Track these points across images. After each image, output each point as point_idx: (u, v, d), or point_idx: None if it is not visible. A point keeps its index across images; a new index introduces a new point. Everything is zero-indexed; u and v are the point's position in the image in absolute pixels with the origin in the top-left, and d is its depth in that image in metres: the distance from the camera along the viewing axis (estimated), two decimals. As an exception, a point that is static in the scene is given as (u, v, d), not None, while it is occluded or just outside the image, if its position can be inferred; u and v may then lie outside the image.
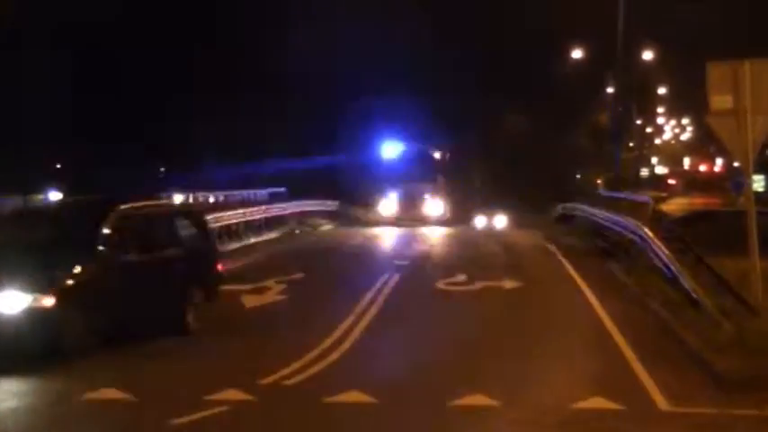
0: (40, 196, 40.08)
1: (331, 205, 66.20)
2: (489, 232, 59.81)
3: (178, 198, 52.18)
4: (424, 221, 62.77)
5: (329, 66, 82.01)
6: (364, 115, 79.14)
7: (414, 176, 65.13)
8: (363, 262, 38.38)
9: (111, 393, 17.36)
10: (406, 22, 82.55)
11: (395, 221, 62.64)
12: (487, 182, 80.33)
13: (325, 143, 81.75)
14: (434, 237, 50.49)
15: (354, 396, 17.21)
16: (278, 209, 55.68)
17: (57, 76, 69.77)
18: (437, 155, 70.37)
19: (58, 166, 77.81)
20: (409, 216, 63.42)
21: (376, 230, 55.44)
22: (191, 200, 54.61)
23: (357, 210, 67.07)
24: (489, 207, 72.34)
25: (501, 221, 69.09)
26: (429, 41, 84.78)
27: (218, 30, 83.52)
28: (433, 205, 65.50)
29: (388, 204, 65.09)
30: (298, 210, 59.27)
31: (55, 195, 48.69)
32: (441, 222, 63.24)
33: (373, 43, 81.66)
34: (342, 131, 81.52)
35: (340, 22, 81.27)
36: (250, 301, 27.46)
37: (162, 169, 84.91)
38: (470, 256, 39.34)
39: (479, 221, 68.19)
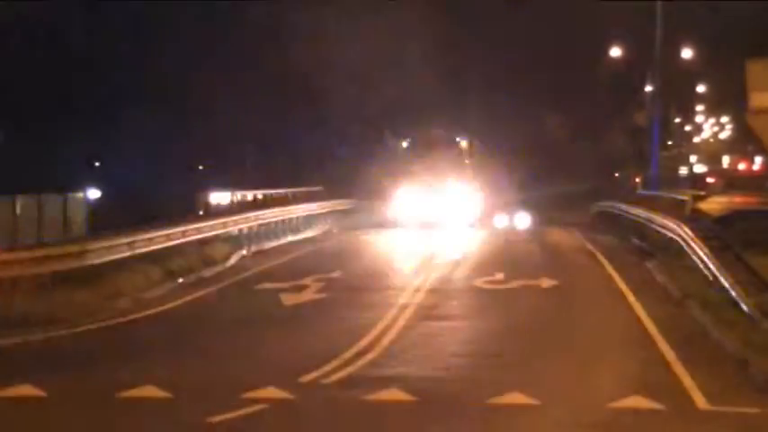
0: (80, 194, 40.21)
1: (347, 204, 62.31)
2: (520, 235, 54.02)
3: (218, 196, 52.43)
4: (450, 222, 55.59)
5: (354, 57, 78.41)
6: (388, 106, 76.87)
7: (440, 169, 58.52)
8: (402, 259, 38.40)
9: (149, 391, 17.34)
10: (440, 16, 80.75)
11: (413, 222, 55.11)
12: (521, 178, 76.49)
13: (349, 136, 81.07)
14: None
15: (395, 394, 17.17)
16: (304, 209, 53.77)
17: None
18: (464, 144, 62.97)
19: (97, 164, 78.23)
20: (431, 216, 55.72)
21: (373, 238, 49.24)
22: (231, 198, 54.49)
23: (375, 207, 61.64)
24: (519, 205, 67.62)
25: (523, 220, 64.29)
26: (463, 36, 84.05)
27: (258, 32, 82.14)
28: (461, 204, 57.71)
29: (407, 203, 57.58)
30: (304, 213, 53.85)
31: (94, 193, 49.12)
32: (469, 224, 56.73)
33: (404, 38, 79.56)
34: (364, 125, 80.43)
35: (367, 15, 77.82)
36: (289, 299, 27.48)
37: (200, 167, 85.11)
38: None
39: (500, 221, 62.52)
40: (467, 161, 61.39)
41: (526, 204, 67.28)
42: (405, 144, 63.07)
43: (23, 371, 18.70)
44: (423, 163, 59.14)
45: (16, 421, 15.98)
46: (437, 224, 55.53)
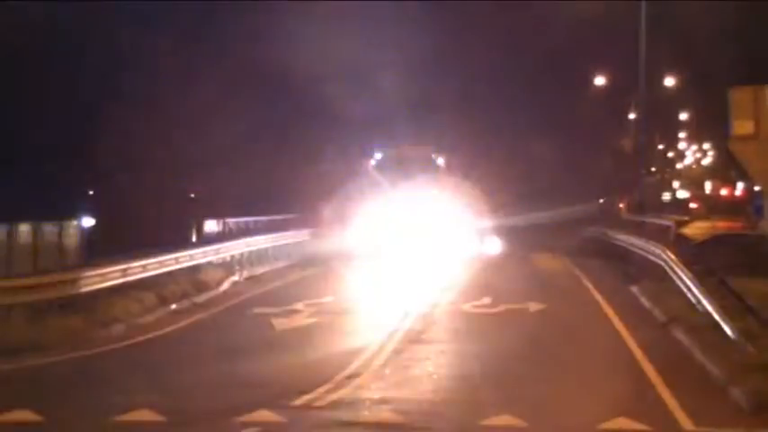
0: (74, 222, 40.13)
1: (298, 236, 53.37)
2: (505, 260, 50.50)
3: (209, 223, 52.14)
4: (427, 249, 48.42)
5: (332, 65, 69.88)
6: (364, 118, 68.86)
7: (413, 190, 51.61)
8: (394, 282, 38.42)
9: (144, 415, 17.42)
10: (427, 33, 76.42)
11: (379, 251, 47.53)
12: (503, 202, 68.77)
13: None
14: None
15: (385, 415, 17.27)
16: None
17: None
18: (441, 161, 56.23)
19: (91, 192, 75.71)
20: (403, 243, 48.52)
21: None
22: (223, 227, 53.52)
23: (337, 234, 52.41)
24: (502, 230, 61.02)
25: (498, 246, 57.04)
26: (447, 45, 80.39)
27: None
28: (439, 228, 50.72)
29: (373, 229, 50.35)
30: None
31: (88, 221, 48.92)
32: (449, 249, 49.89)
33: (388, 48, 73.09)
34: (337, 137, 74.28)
35: (351, 21, 71.16)
36: (281, 324, 27.54)
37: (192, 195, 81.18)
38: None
39: (483, 245, 54.50)
40: (445, 181, 54.28)
41: (509, 229, 62.65)
42: (373, 162, 56.49)
43: (21, 396, 18.72)
44: (393, 183, 52.57)
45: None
46: (410, 252, 50.25)
